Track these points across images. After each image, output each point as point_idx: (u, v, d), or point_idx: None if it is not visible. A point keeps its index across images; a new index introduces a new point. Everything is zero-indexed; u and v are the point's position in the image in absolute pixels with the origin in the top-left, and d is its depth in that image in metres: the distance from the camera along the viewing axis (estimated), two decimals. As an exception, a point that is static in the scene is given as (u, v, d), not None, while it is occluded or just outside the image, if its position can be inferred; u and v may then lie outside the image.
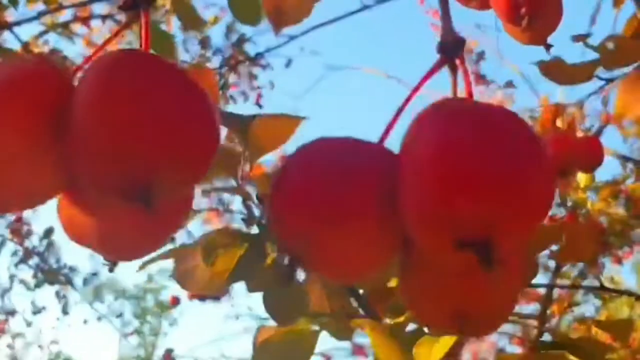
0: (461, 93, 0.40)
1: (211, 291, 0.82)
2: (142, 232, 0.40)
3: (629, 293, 0.91)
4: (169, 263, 0.96)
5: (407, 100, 0.41)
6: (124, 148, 0.34)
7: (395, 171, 0.36)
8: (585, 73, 0.91)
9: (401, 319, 0.74)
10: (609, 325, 0.85)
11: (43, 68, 0.39)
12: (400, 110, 0.41)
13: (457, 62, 0.40)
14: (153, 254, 0.97)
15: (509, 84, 3.34)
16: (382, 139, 0.41)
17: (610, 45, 0.87)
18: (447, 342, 0.68)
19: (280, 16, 0.76)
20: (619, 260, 2.58)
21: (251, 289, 0.89)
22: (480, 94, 3.37)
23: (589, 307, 2.46)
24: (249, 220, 0.85)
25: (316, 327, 0.87)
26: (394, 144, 0.39)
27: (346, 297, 0.91)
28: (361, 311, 0.91)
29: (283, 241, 0.39)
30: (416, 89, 0.41)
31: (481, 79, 3.46)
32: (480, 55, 3.51)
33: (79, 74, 0.39)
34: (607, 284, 1.66)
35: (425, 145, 0.34)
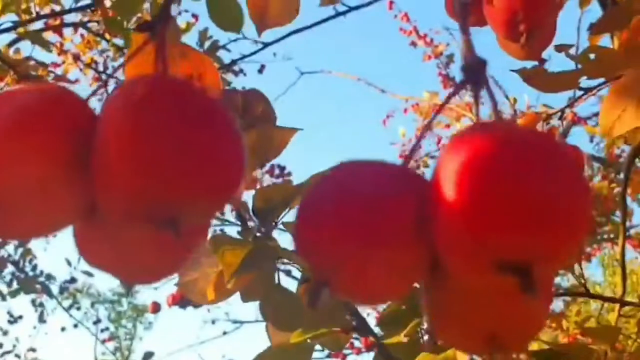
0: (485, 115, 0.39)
1: (214, 300, 0.82)
2: (162, 256, 0.39)
3: (613, 300, 0.91)
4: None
5: (430, 122, 0.41)
6: (154, 183, 0.33)
7: (425, 196, 0.35)
8: (569, 82, 0.92)
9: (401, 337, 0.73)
10: (596, 332, 0.86)
11: (63, 95, 0.38)
12: (423, 132, 0.40)
13: (481, 83, 0.39)
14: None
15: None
16: (406, 162, 0.40)
17: (591, 55, 0.88)
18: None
19: (264, 19, 0.76)
20: (588, 258, 2.62)
21: (245, 298, 0.89)
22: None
23: (558, 302, 2.49)
24: (244, 232, 0.84)
25: (310, 341, 0.87)
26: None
27: (340, 308, 0.91)
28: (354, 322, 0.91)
29: (311, 264, 0.37)
30: (439, 110, 0.40)
31: (450, 81, 3.49)
32: (450, 58, 3.55)
33: (100, 100, 0.38)
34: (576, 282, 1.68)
35: (464, 172, 0.33)
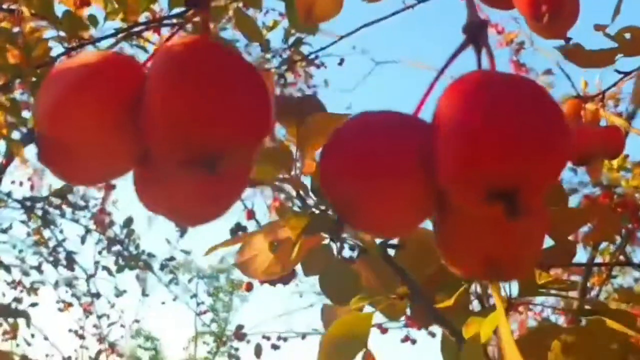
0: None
1: (270, 277, 0.86)
2: (208, 198, 0.42)
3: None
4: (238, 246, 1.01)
5: (437, 77, 0.43)
6: (192, 125, 0.36)
7: (430, 137, 0.38)
8: (606, 59, 0.93)
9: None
10: (628, 297, 0.87)
11: (118, 58, 0.41)
12: (431, 86, 0.43)
13: (481, 42, 0.41)
14: (221, 241, 1.03)
15: (548, 72, 3.33)
16: (416, 112, 0.42)
17: (627, 35, 0.88)
18: (494, 320, 0.69)
19: (310, 13, 0.78)
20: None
21: (307, 273, 0.94)
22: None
23: (627, 278, 2.43)
24: (304, 208, 0.89)
25: (371, 309, 0.91)
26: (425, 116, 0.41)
27: (395, 279, 0.94)
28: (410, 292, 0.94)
29: (332, 200, 0.40)
30: (444, 67, 0.43)
31: (521, 67, 3.47)
32: (520, 45, 3.53)
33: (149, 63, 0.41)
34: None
35: (456, 113, 0.36)
